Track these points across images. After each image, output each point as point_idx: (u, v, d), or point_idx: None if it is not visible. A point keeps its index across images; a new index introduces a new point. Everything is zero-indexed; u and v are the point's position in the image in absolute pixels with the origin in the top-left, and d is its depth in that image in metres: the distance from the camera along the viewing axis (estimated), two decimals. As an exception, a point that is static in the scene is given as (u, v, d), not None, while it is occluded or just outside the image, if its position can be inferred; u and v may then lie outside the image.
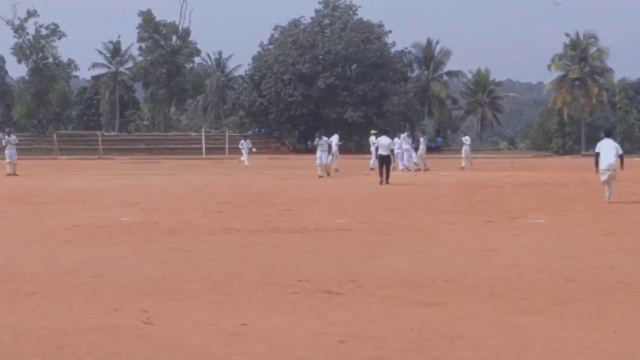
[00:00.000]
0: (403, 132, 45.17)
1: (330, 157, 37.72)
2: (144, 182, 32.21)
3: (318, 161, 36.33)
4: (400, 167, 41.47)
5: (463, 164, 45.79)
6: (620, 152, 22.85)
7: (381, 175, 31.51)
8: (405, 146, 42.29)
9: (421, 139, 43.32)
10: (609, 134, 24.91)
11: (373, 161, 41.59)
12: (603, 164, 22.29)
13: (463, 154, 47.17)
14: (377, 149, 34.43)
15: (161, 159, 63.82)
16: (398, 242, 13.84)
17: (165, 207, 20.77)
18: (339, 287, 9.56)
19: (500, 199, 23.07)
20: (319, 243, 13.77)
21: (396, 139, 41.85)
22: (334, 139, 41.37)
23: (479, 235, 14.88)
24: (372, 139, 42.47)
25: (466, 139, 48.46)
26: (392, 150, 33.93)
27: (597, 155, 22.78)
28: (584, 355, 6.75)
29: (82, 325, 7.72)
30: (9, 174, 37.83)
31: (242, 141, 51.04)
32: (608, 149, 22.70)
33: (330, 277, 10.25)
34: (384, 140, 33.71)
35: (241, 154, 52.75)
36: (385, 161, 32.01)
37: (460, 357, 6.69)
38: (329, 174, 35.96)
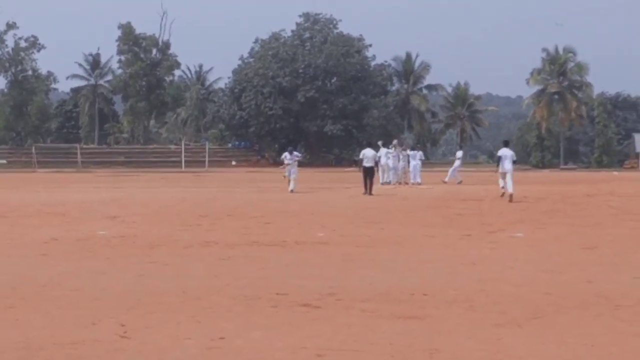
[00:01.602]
0: (389, 146, 44.89)
1: (297, 172, 35.33)
2: (123, 195, 32.10)
3: (286, 175, 35.24)
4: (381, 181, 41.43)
5: (447, 179, 44.01)
6: (515, 159, 30.19)
7: (365, 186, 32.75)
8: (385, 160, 42.06)
9: (404, 154, 43.21)
10: (506, 144, 31.44)
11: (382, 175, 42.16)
12: (502, 168, 29.44)
13: (453, 167, 45.65)
14: (361, 160, 34.93)
15: (140, 172, 63.63)
16: (377, 256, 13.84)
17: (144, 220, 20.70)
18: (318, 301, 9.55)
19: (479, 213, 23.12)
20: (298, 256, 13.75)
21: (383, 150, 42.30)
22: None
23: (458, 248, 14.90)
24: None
25: (460, 154, 47.95)
26: (376, 162, 35.13)
27: (499, 158, 29.91)
28: (562, 368, 6.76)
29: (60, 339, 7.67)
30: None
31: (286, 154, 41.70)
32: (506, 156, 29.70)
33: (309, 290, 10.23)
34: (369, 152, 34.83)
35: (284, 169, 49.20)
36: (369, 173, 33.30)
37: (439, 370, 6.69)
38: (292, 190, 33.79)
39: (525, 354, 7.19)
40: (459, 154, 48.07)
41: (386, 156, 41.97)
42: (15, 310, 9.17)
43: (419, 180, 41.80)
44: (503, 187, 29.29)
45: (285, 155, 35.78)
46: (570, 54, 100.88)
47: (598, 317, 8.74)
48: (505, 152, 29.89)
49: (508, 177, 29.00)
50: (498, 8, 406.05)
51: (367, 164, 33.99)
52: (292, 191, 33.58)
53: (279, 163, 72.74)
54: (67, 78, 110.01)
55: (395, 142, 45.39)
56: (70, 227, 18.87)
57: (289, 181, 34.64)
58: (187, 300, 9.65)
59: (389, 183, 41.39)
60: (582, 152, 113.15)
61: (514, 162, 29.94)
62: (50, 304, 9.48)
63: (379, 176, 40.81)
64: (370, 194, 32.34)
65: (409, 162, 42.70)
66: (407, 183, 41.85)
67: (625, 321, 8.54)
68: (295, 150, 37.30)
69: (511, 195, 28.20)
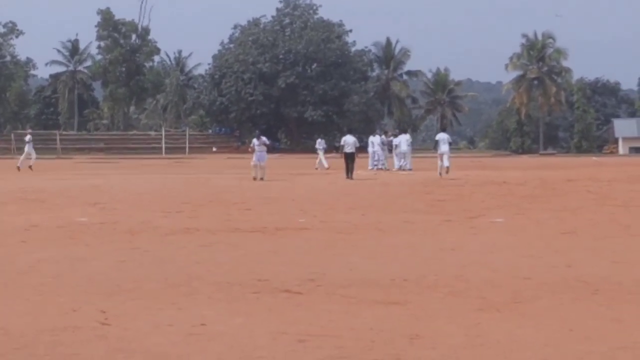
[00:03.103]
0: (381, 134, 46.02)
1: (266, 158, 33.90)
2: (104, 182, 32.01)
3: (253, 162, 33.53)
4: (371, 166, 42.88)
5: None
6: (450, 141, 36.19)
7: (347, 171, 34.29)
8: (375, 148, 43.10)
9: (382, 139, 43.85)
10: (444, 129, 41.15)
11: (370, 161, 43.88)
12: (440, 150, 34.21)
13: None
14: (342, 147, 36.41)
15: (121, 159, 63.45)
16: (358, 242, 13.87)
17: (125, 207, 20.65)
18: (299, 287, 9.57)
19: (459, 198, 23.20)
20: (279, 242, 13.77)
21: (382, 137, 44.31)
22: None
23: (438, 234, 14.96)
24: (371, 138, 45.25)
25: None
26: (357, 148, 36.11)
27: (437, 142, 35.12)
28: (541, 353, 6.81)
29: (40, 326, 7.66)
30: None
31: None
32: (444, 140, 34.84)
33: (290, 276, 10.25)
34: (349, 138, 36.45)
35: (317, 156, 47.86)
36: (350, 158, 34.97)
37: (419, 355, 6.72)
38: (262, 178, 32.69)
39: (504, 338, 7.24)
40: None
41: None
42: (-5, 297, 9.15)
43: (409, 166, 42.11)
44: (441, 167, 33.64)
45: (254, 141, 34.56)
46: (550, 40, 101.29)
47: (577, 302, 8.80)
48: (443, 136, 35.33)
49: (445, 158, 33.58)
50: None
51: (348, 149, 35.44)
52: (261, 179, 32.41)
53: None
54: (47, 65, 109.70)
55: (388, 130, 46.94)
56: (50, 213, 18.80)
57: (255, 168, 33.14)
58: (168, 287, 9.66)
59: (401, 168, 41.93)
60: (562, 137, 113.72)
61: (450, 144, 35.81)
62: (30, 290, 9.46)
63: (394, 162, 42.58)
64: (352, 178, 33.49)
65: (391, 148, 43.09)
66: (388, 169, 42.11)
67: (603, 305, 8.61)
68: (264, 136, 35.61)
69: (447, 168, 33.31)
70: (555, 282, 9.88)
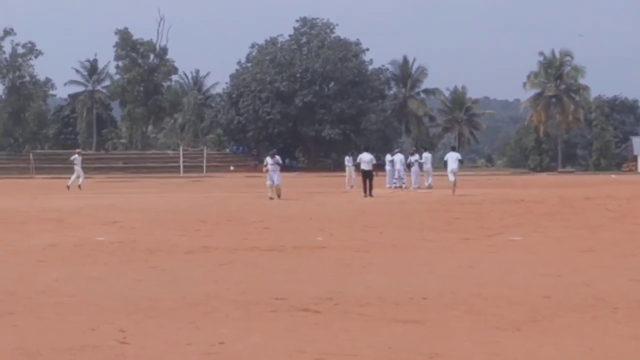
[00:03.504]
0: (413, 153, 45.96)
1: (279, 177, 33.34)
2: (122, 201, 32.09)
3: (269, 182, 33.12)
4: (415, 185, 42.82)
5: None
6: (460, 158, 37.48)
7: (365, 189, 34.42)
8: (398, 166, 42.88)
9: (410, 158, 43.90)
10: (454, 149, 39.97)
11: (389, 179, 43.85)
12: (449, 168, 35.51)
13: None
14: (359, 164, 36.62)
15: (139, 178, 63.61)
16: (375, 260, 13.83)
17: (143, 225, 20.68)
18: (317, 305, 9.54)
19: (477, 216, 23.13)
20: (296, 261, 13.74)
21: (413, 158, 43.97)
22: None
23: (456, 252, 14.90)
24: (388, 157, 45.11)
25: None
26: (374, 165, 36.28)
27: (446, 162, 36.62)
28: (561, 371, 6.76)
29: (58, 345, 7.66)
30: None
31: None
32: (453, 158, 36.14)
33: (307, 295, 10.23)
34: (366, 156, 36.48)
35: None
36: (367, 175, 34.99)
37: (438, 374, 6.68)
38: (279, 196, 32.54)
39: (523, 356, 7.19)
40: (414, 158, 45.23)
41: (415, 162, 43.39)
42: (13, 316, 9.16)
43: (428, 183, 42.30)
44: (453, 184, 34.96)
45: (267, 160, 34.07)
46: (567, 57, 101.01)
47: (596, 320, 8.74)
48: (452, 155, 36.61)
49: (451, 175, 35.27)
50: (495, 12, 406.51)
51: (365, 167, 35.52)
52: (279, 197, 32.30)
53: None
54: (65, 84, 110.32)
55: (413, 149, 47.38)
56: (68, 232, 18.85)
57: (271, 188, 32.83)
58: (186, 306, 9.65)
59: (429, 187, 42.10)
60: (580, 155, 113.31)
61: (461, 162, 37.25)
62: (48, 310, 9.47)
63: (412, 180, 42.74)
64: (371, 196, 33.79)
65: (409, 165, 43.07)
66: (407, 187, 42.04)
67: (623, 324, 8.54)
68: (277, 155, 35.14)
69: (454, 185, 34.77)
70: (574, 301, 9.82)
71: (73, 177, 44.33)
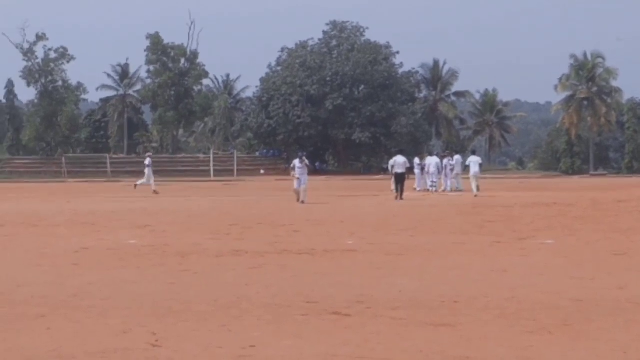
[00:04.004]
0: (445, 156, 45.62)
1: (307, 181, 32.94)
2: (153, 205, 32.25)
3: (296, 185, 32.54)
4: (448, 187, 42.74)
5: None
6: (481, 162, 39.97)
7: (397, 191, 35.28)
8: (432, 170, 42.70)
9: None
10: (474, 152, 43.23)
11: (418, 181, 43.99)
12: (472, 172, 37.35)
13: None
14: (393, 167, 37.00)
15: (170, 181, 63.87)
16: (407, 263, 13.82)
17: (174, 229, 20.77)
18: (348, 309, 9.54)
19: (508, 220, 23.02)
20: (327, 264, 13.75)
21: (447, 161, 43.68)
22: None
23: (488, 255, 14.85)
24: (417, 160, 45.49)
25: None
26: (409, 169, 37.25)
27: (467, 166, 38.65)
28: (594, 376, 6.72)
29: (91, 348, 7.72)
30: None
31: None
32: (475, 162, 37.88)
33: (339, 298, 10.23)
34: (400, 159, 36.78)
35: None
36: (400, 178, 35.64)
37: (470, 378, 6.66)
38: (303, 201, 31.85)
39: (556, 361, 7.15)
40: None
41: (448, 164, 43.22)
42: (46, 319, 9.24)
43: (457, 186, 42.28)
44: (476, 189, 36.37)
45: (295, 162, 33.19)
46: (599, 59, 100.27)
47: (630, 324, 8.68)
48: (474, 159, 38.27)
49: (473, 179, 36.95)
50: (527, 14, 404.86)
51: (399, 170, 35.95)
52: (302, 202, 31.70)
53: (309, 172, 70.89)
54: (97, 89, 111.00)
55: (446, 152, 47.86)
56: (100, 236, 18.97)
57: (298, 192, 32.35)
58: (217, 309, 9.68)
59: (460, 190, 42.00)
60: (613, 158, 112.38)
61: (480, 166, 39.02)
62: (81, 313, 9.54)
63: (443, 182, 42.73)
64: (401, 198, 34.38)
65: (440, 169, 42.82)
66: (436, 190, 41.84)
67: (657, 328, 8.48)
68: (305, 157, 34.59)
69: (477, 188, 36.56)
70: (608, 304, 9.75)
71: (144, 180, 44.68)
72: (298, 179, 32.43)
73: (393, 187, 37.78)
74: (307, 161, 34.03)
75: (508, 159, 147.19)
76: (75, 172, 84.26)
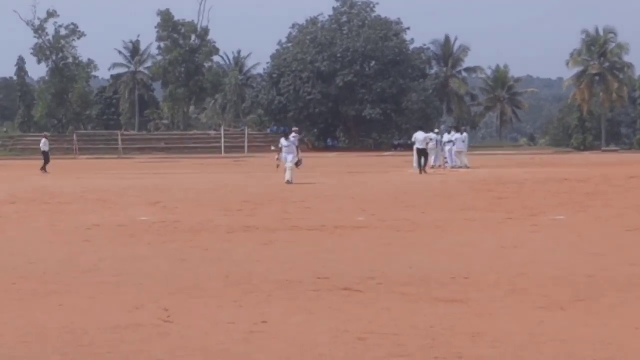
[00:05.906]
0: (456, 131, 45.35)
1: (295, 159, 30.26)
2: (164, 181, 32.30)
3: (289, 164, 29.58)
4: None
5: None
6: (464, 140, 42.29)
7: (420, 166, 36.66)
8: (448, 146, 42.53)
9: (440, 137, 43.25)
10: (457, 130, 45.77)
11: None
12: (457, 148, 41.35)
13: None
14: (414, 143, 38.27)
15: (181, 158, 63.96)
16: (418, 239, 13.83)
17: (185, 206, 20.81)
18: (359, 285, 9.56)
19: (520, 196, 22.98)
20: (338, 241, 13.77)
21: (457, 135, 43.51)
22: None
23: (499, 232, 14.85)
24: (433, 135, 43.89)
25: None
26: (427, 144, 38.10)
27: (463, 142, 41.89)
28: (606, 351, 6.72)
29: (103, 324, 7.75)
30: None
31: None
32: (459, 139, 41.02)
33: (350, 274, 10.25)
34: (420, 135, 38.26)
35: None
36: (422, 154, 37.35)
37: (481, 354, 6.67)
38: (289, 181, 28.85)
39: (568, 337, 7.15)
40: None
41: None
42: (59, 295, 9.28)
43: (463, 164, 41.95)
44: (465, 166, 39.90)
45: (281, 141, 31.08)
46: (611, 35, 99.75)
47: (642, 300, 8.67)
48: (459, 137, 41.35)
49: (464, 155, 40.99)
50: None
51: (420, 146, 37.40)
52: (288, 182, 28.71)
53: (318, 148, 70.76)
54: (109, 69, 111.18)
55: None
56: (112, 213, 19.02)
57: (285, 170, 29.65)
58: (229, 285, 9.71)
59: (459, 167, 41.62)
60: (624, 133, 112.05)
61: (463, 143, 41.80)
62: (93, 289, 9.58)
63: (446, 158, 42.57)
64: (425, 172, 35.91)
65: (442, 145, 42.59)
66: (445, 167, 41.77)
67: (669, 304, 8.47)
68: (296, 132, 32.73)
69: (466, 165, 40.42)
70: (619, 280, 9.74)
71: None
72: (284, 156, 29.99)
73: (415, 164, 37.94)
74: (294, 136, 32.10)
75: (519, 135, 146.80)
76: (87, 149, 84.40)
